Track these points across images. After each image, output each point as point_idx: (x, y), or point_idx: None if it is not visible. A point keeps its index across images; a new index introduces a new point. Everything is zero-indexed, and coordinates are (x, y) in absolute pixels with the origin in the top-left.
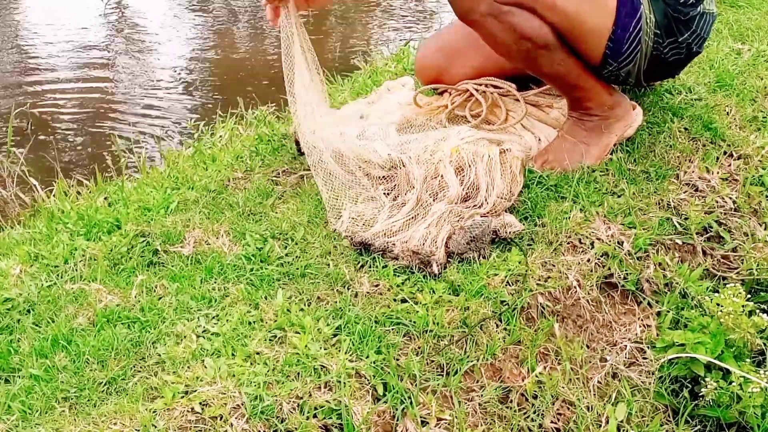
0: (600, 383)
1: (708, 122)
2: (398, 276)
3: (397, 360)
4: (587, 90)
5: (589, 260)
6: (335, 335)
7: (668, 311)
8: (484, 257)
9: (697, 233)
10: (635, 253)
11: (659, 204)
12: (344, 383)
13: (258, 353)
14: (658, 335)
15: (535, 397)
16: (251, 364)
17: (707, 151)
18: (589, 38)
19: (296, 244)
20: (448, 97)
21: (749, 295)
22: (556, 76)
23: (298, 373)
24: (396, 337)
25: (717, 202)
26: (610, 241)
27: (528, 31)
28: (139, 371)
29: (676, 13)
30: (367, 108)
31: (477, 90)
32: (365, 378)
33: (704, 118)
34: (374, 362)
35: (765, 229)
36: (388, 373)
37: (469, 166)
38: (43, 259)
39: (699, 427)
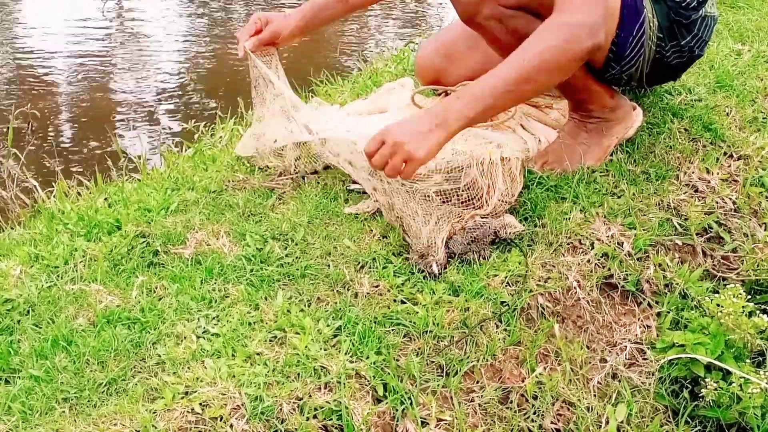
0: (600, 384)
1: (708, 123)
2: (398, 277)
3: (397, 361)
4: (589, 93)
5: (589, 261)
6: (335, 336)
7: (668, 312)
8: (484, 258)
9: (697, 234)
10: (635, 254)
11: (659, 205)
12: (344, 384)
13: (258, 354)
14: (658, 336)
15: (535, 398)
16: (251, 364)
17: (707, 152)
18: None
19: (296, 244)
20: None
21: (749, 296)
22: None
23: (298, 374)
24: (396, 338)
25: (717, 202)
26: (610, 241)
27: None
28: (140, 372)
29: (678, 17)
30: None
31: None
32: (365, 379)
33: (704, 119)
34: (374, 363)
35: (765, 229)
36: (388, 373)
37: (470, 166)
38: (43, 259)
39: (699, 427)
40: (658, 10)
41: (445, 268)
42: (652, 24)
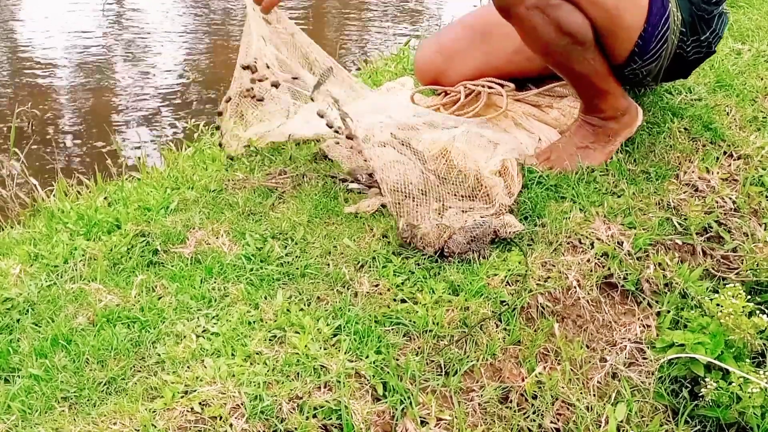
0: (600, 383)
1: (708, 122)
2: (398, 276)
3: (397, 360)
4: (606, 92)
5: (588, 260)
6: (335, 335)
7: (668, 311)
8: (484, 257)
9: (697, 233)
10: (635, 253)
11: (659, 204)
12: (344, 383)
13: (258, 353)
14: (657, 335)
15: (534, 398)
16: (251, 364)
17: (707, 152)
18: (621, 35)
19: (296, 244)
20: (441, 98)
21: (749, 296)
22: (581, 75)
23: (298, 373)
24: (396, 337)
25: (717, 202)
26: (609, 241)
27: (571, 27)
28: (139, 371)
29: (700, 12)
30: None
31: (473, 91)
32: (365, 378)
33: (704, 119)
34: (374, 362)
35: (765, 229)
36: (388, 373)
37: (470, 168)
38: (43, 258)
39: (699, 427)
40: (682, 4)
41: (442, 257)
42: (676, 18)
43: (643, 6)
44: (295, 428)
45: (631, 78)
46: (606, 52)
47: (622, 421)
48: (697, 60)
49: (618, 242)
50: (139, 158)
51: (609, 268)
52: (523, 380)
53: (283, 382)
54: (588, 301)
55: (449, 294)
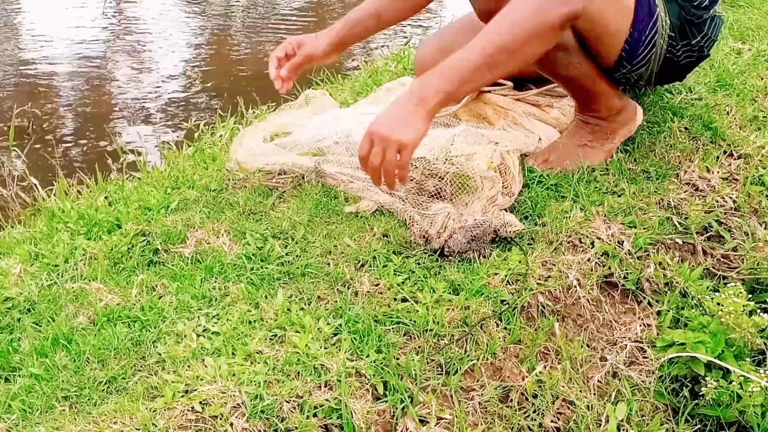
0: (600, 382)
1: (708, 122)
2: (398, 275)
3: (397, 359)
4: (598, 93)
5: (589, 259)
6: (335, 334)
7: (668, 310)
8: (484, 256)
9: (697, 233)
10: (635, 253)
11: (659, 203)
12: (344, 382)
13: (258, 352)
14: (658, 334)
15: (535, 397)
16: (251, 363)
17: (707, 151)
18: (606, 40)
19: (296, 243)
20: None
21: (750, 295)
22: (570, 79)
23: (299, 373)
24: (396, 337)
25: (717, 201)
26: (610, 240)
27: None
28: (140, 370)
29: (689, 16)
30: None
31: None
32: (365, 377)
33: (704, 118)
34: (374, 361)
35: (765, 228)
36: (388, 372)
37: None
38: (44, 258)
39: (699, 426)
40: (670, 9)
41: (444, 254)
42: (664, 23)
43: (629, 11)
44: (296, 427)
45: (623, 82)
46: (593, 56)
47: (622, 420)
48: (690, 64)
49: (618, 241)
50: (140, 157)
51: (609, 268)
52: (523, 379)
53: (283, 382)
54: (588, 301)
55: (450, 293)
